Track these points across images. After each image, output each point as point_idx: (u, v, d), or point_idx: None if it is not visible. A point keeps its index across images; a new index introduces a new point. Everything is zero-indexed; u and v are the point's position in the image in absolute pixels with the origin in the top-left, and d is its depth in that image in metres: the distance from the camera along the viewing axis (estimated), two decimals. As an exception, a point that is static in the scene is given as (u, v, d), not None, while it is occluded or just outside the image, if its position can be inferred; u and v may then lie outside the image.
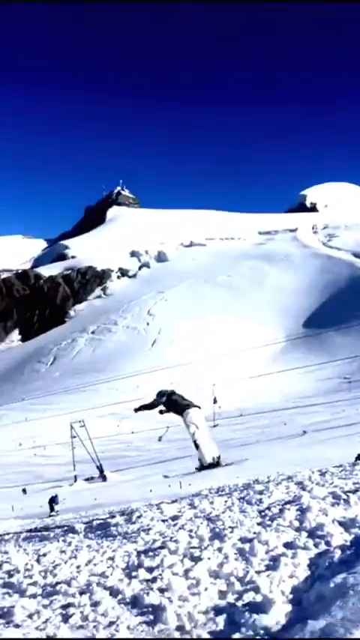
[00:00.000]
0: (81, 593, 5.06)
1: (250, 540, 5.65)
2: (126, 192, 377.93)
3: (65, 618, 4.48)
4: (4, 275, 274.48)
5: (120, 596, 4.78)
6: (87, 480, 42.31)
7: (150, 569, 5.37)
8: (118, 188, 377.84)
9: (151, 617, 4.19)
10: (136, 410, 12.69)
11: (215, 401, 78.55)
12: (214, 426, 73.87)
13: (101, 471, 43.24)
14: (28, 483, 47.97)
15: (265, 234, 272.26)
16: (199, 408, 11.65)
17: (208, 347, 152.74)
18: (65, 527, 9.67)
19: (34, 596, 5.38)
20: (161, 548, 6.10)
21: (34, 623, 4.52)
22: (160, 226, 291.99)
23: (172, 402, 11.68)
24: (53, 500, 17.81)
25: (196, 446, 11.38)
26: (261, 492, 8.65)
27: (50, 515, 14.67)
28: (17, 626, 4.55)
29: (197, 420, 11.23)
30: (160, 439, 68.61)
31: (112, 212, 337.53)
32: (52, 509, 16.57)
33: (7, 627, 4.57)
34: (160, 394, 12.15)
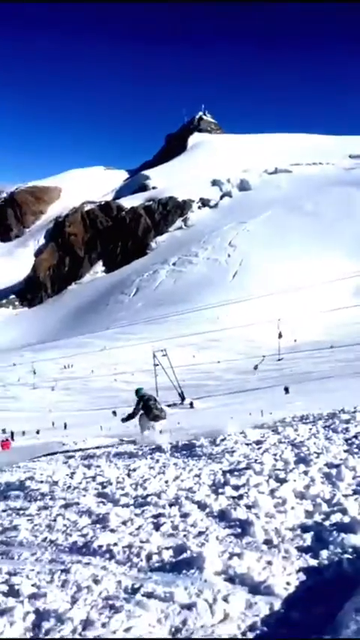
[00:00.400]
0: (170, 505, 5.33)
1: (337, 466, 5.66)
2: (208, 118, 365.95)
3: (157, 526, 4.74)
4: (88, 207, 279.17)
5: (208, 510, 4.98)
6: (169, 405, 43.92)
7: (236, 487, 5.54)
8: (200, 113, 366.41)
9: (239, 530, 4.35)
10: (123, 420, 13.71)
11: (280, 335, 77.62)
12: (279, 360, 73.62)
13: (182, 397, 44.69)
14: (113, 407, 50.81)
15: (356, 158, 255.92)
16: (165, 419, 12.69)
17: (290, 279, 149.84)
18: (152, 446, 10.14)
19: (126, 505, 5.72)
20: (246, 468, 6.24)
21: (127, 529, 4.83)
22: (242, 153, 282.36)
23: (146, 408, 12.60)
24: None
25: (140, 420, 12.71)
26: (347, 421, 8.58)
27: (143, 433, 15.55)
28: (112, 531, 4.88)
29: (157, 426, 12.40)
30: (256, 367, 69.45)
31: (194, 139, 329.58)
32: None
33: (103, 531, 4.91)
34: (138, 394, 13.09)
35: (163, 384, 47.65)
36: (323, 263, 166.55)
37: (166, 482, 6.45)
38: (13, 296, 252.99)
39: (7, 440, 27.00)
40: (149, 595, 3.33)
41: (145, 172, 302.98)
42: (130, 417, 13.39)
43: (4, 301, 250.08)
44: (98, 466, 8.89)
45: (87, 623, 3.05)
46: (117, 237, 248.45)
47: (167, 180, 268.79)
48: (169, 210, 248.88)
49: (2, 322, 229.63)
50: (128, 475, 7.38)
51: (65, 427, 39.11)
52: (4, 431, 39.01)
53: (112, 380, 76.47)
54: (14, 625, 3.16)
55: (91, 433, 25.40)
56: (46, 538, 5.04)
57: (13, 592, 3.67)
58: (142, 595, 3.34)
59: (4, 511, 6.51)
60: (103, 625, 3.00)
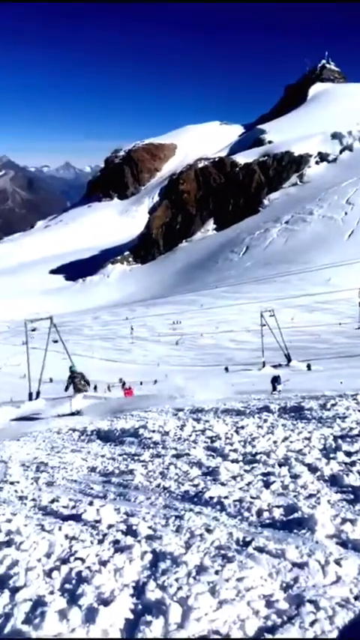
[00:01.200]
0: (280, 465, 5.34)
1: None
2: (331, 66, 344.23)
3: (266, 484, 4.78)
4: (201, 164, 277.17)
5: (319, 473, 4.93)
6: (274, 366, 43.70)
7: (348, 454, 5.42)
8: (323, 61, 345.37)
9: (352, 496, 4.27)
10: (65, 390, 17.57)
11: None
12: (358, 329, 70.12)
13: (289, 359, 44.14)
14: (220, 364, 51.48)
15: None
16: (86, 392, 17.37)
17: None
18: (260, 406, 10.17)
19: (235, 461, 5.83)
20: (359, 436, 6.09)
21: (237, 484, 4.93)
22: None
23: (73, 384, 16.94)
24: (276, 380, 18.13)
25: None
26: None
27: (272, 394, 15.58)
28: (223, 484, 5.01)
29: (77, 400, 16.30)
30: None
31: (315, 89, 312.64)
32: (274, 388, 17.17)
33: (214, 484, 5.06)
34: (70, 370, 17.62)
35: (269, 345, 47.28)
36: None
37: (275, 442, 6.47)
38: (127, 252, 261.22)
39: (130, 388, 28.96)
40: (260, 549, 3.41)
41: (261, 127, 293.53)
42: (65, 388, 17.60)
43: (118, 257, 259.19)
44: (207, 421, 9.11)
45: (201, 569, 3.20)
46: (229, 194, 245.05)
47: (284, 134, 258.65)
48: (284, 166, 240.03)
49: (117, 278, 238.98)
50: (236, 432, 7.49)
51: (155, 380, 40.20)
52: (120, 380, 41.84)
53: (222, 339, 77.20)
54: (133, 562, 3.39)
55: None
56: (159, 484, 5.30)
57: (131, 531, 3.94)
58: (254, 549, 3.43)
59: (120, 455, 6.93)
60: (216, 572, 3.13)
